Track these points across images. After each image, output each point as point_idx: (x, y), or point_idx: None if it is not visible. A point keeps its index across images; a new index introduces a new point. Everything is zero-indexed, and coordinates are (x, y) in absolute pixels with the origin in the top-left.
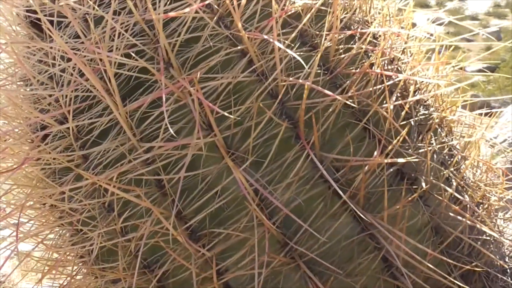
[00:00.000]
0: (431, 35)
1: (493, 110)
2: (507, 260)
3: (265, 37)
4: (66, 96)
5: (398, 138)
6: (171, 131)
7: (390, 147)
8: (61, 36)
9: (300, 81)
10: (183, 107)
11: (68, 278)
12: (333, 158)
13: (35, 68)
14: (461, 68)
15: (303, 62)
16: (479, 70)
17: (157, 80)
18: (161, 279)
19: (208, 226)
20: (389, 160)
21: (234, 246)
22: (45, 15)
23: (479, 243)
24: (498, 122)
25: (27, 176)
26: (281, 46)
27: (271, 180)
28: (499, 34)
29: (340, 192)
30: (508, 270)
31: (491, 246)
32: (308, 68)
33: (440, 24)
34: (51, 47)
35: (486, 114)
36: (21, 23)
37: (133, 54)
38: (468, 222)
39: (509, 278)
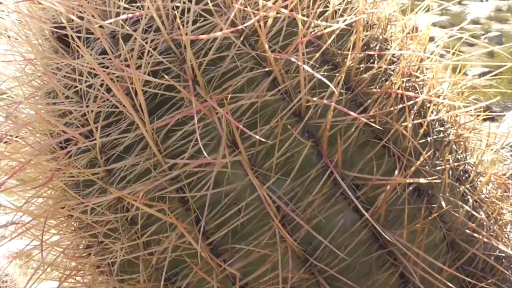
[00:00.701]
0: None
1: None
2: None
3: (293, 59)
4: (92, 111)
5: (420, 159)
6: (202, 148)
7: (412, 168)
8: (91, 54)
9: (325, 101)
10: (207, 124)
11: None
12: (353, 176)
13: (60, 82)
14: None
15: (329, 83)
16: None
17: (183, 97)
18: None
19: (230, 241)
20: (411, 180)
21: (254, 261)
22: (72, 31)
23: (492, 258)
24: (499, 128)
25: (48, 186)
26: (308, 68)
27: (293, 197)
28: (501, 38)
29: (364, 211)
30: None
31: (504, 261)
32: (332, 89)
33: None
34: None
35: (490, 119)
36: (48, 38)
37: (161, 72)
38: (485, 239)
39: None
